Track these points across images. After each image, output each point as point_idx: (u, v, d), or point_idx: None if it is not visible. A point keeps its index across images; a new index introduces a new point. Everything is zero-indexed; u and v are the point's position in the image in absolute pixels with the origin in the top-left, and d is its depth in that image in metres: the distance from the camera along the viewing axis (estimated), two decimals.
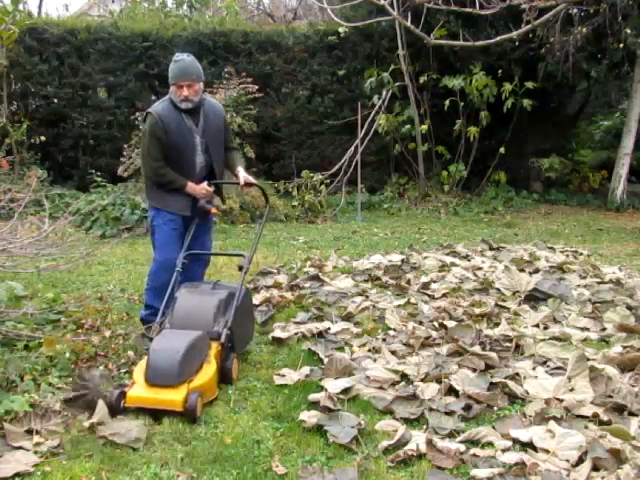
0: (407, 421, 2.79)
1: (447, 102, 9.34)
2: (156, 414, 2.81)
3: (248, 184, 3.79)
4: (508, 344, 3.58)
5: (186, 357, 2.86)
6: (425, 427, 2.74)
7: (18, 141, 9.07)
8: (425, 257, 5.87)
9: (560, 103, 11.29)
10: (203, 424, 2.80)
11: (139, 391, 2.83)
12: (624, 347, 3.57)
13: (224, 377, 3.11)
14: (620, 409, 2.81)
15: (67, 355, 3.31)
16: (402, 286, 4.89)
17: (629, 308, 4.22)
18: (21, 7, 9.04)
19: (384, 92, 9.78)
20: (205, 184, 3.68)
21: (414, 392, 2.99)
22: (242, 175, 3.76)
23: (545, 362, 3.39)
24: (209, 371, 2.96)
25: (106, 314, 4.16)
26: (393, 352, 3.53)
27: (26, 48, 9.62)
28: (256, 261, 5.96)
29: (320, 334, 3.85)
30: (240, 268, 3.53)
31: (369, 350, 3.62)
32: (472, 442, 2.59)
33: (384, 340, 3.76)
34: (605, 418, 2.72)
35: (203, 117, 3.68)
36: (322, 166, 9.90)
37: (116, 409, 2.77)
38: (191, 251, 3.60)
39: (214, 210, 3.75)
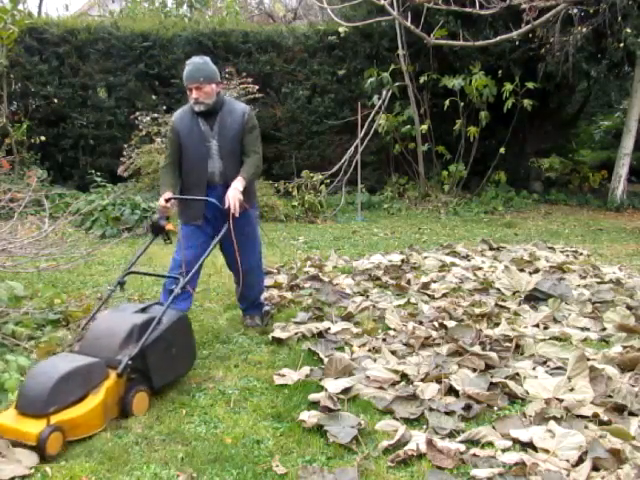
0: (407, 421, 2.79)
1: (447, 102, 9.34)
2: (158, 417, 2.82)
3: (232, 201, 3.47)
4: (508, 344, 3.57)
5: (60, 385, 2.56)
6: (425, 427, 2.74)
7: (18, 141, 9.08)
8: (425, 257, 5.87)
9: (560, 103, 11.30)
10: (203, 424, 2.80)
11: (4, 418, 2.55)
12: (624, 347, 3.57)
13: (123, 411, 2.81)
14: (620, 409, 2.80)
15: None
16: (402, 286, 4.89)
17: (629, 308, 4.22)
18: (21, 7, 9.03)
19: (384, 92, 9.78)
20: (162, 199, 3.51)
21: (414, 392, 2.99)
22: (229, 191, 3.48)
23: (545, 362, 3.39)
24: (88, 404, 2.63)
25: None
26: (393, 352, 3.53)
27: (26, 48, 9.63)
28: None
29: (320, 334, 3.85)
30: (170, 292, 3.18)
31: (369, 350, 3.62)
32: (472, 442, 2.59)
33: (384, 340, 3.76)
34: (605, 418, 2.72)
35: (219, 120, 3.63)
36: (322, 166, 9.91)
37: None
38: (131, 270, 3.43)
39: (169, 226, 3.48)
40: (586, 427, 2.64)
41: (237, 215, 3.48)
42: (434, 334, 3.77)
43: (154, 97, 10.15)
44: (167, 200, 3.52)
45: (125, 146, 8.77)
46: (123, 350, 2.84)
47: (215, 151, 3.64)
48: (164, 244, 3.61)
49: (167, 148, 3.76)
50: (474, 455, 2.47)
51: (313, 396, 2.97)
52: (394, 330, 3.93)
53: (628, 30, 8.58)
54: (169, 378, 3.09)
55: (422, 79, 9.65)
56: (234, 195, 3.47)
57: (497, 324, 3.98)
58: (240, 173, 3.60)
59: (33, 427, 2.47)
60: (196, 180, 3.65)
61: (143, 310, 3.10)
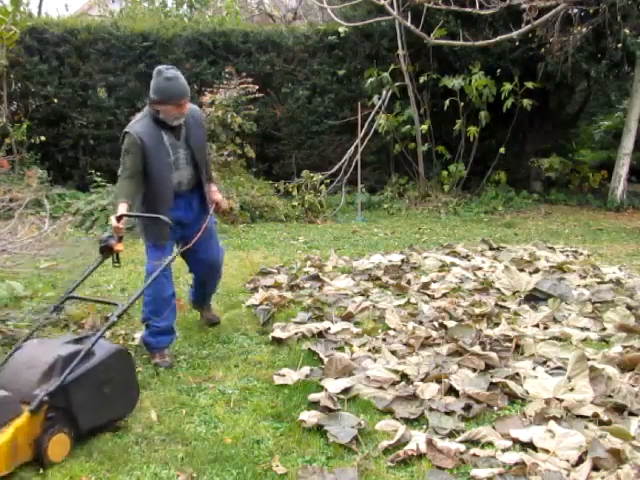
0: (407, 421, 2.79)
1: (447, 102, 9.34)
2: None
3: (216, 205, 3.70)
4: (508, 344, 3.58)
5: None
6: (425, 427, 2.74)
7: (18, 141, 9.06)
8: (425, 257, 5.87)
9: (560, 103, 11.29)
10: (203, 424, 2.80)
11: None
12: (624, 347, 3.57)
13: (37, 455, 2.42)
14: (620, 409, 2.80)
15: None
16: (402, 286, 4.89)
17: (629, 308, 4.21)
18: (22, 8, 9.03)
19: (384, 92, 9.78)
20: (114, 219, 3.14)
21: (414, 392, 2.99)
22: (218, 196, 3.72)
23: (545, 362, 3.39)
24: None
25: (106, 314, 4.16)
26: (393, 352, 3.53)
27: (26, 48, 9.61)
28: (256, 261, 5.97)
29: (320, 334, 3.85)
30: (106, 319, 2.87)
31: (369, 350, 3.62)
32: (472, 442, 2.59)
33: (384, 340, 3.76)
34: (605, 418, 2.72)
35: (185, 127, 3.48)
36: (322, 166, 9.90)
37: None
38: (70, 295, 3.04)
39: (118, 247, 3.10)
40: (586, 427, 2.64)
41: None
42: (434, 334, 3.77)
43: None
44: (119, 219, 3.15)
45: None
46: (42, 385, 2.47)
47: (184, 160, 3.50)
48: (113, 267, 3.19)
49: (124, 163, 3.34)
50: (474, 455, 2.47)
51: (313, 396, 2.97)
52: (394, 330, 3.93)
53: (627, 30, 8.58)
54: (101, 420, 2.69)
55: (422, 79, 9.65)
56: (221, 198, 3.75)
57: (497, 324, 3.99)
58: (209, 178, 3.75)
59: None
60: (162, 198, 3.45)
61: (77, 341, 2.74)
